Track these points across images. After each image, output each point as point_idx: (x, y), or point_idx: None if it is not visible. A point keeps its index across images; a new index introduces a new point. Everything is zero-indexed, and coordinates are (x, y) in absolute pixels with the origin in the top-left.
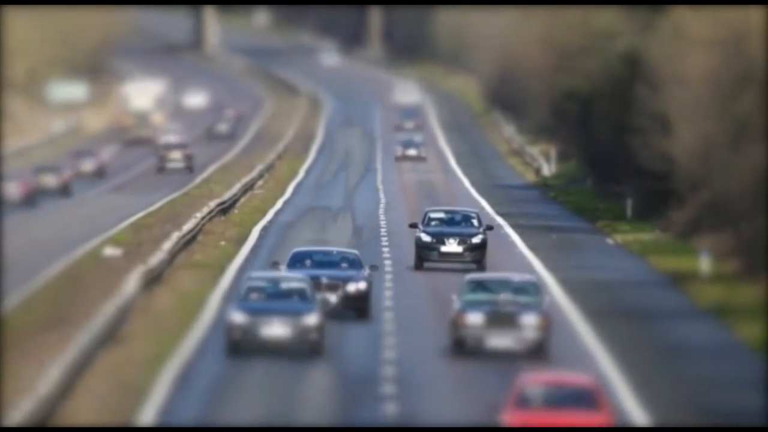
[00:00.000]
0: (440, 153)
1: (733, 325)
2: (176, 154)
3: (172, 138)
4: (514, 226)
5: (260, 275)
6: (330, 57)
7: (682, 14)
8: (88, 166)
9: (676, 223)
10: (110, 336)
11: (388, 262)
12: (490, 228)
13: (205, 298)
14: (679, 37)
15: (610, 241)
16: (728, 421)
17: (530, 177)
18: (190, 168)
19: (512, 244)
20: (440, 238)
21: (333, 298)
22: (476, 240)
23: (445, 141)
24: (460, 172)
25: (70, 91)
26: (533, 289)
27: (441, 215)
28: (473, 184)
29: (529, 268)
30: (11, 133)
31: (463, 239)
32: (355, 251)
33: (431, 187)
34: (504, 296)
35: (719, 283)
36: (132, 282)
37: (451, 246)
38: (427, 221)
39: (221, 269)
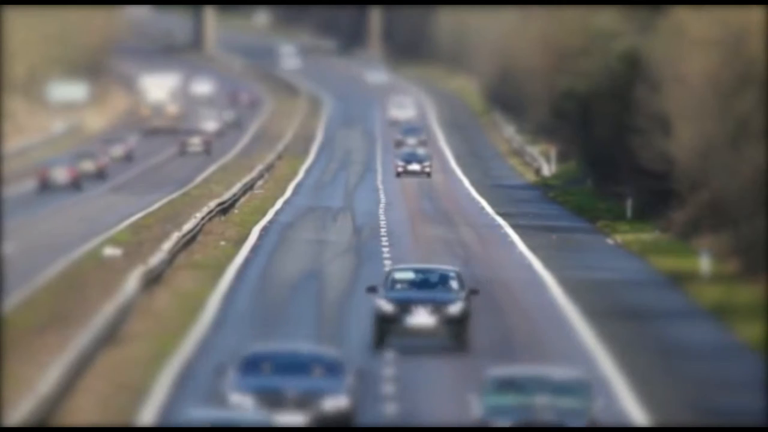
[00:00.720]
0: (440, 153)
1: (733, 325)
2: (196, 140)
3: (211, 123)
4: (514, 226)
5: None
6: (290, 62)
7: (682, 14)
8: (118, 151)
9: (676, 223)
10: (110, 336)
11: (387, 262)
12: (475, 292)
13: (205, 298)
14: (679, 37)
15: (610, 241)
16: (728, 421)
17: (530, 177)
18: (208, 152)
19: (512, 244)
20: (406, 306)
21: (299, 419)
22: (454, 309)
23: (445, 141)
24: (460, 172)
25: (69, 91)
26: (580, 389)
27: (410, 275)
28: (473, 184)
29: (529, 268)
30: (11, 133)
31: (436, 307)
32: (335, 353)
33: (431, 187)
34: (542, 399)
35: (719, 283)
36: (132, 282)
37: (421, 316)
38: (390, 284)
39: (221, 269)
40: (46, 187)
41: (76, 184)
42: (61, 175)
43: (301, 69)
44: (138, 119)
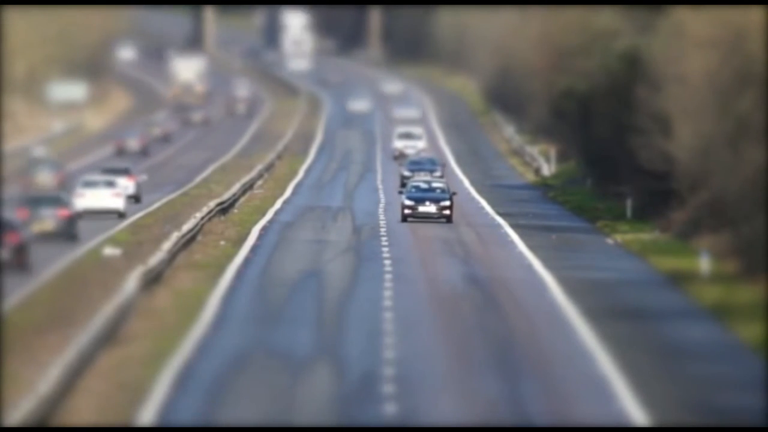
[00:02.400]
0: (440, 153)
1: (733, 326)
2: (241, 105)
3: (243, 91)
4: (514, 226)
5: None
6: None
7: (682, 14)
8: (197, 117)
9: (675, 223)
10: (110, 336)
11: (387, 262)
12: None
13: (205, 298)
14: (679, 37)
15: (609, 241)
16: (728, 421)
17: (530, 177)
18: (251, 115)
19: (512, 244)
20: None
21: None
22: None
23: (445, 141)
24: (460, 171)
25: (69, 91)
26: None
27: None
28: (473, 183)
29: (529, 268)
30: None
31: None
32: None
33: None
34: None
35: (719, 283)
36: (132, 282)
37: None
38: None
39: (221, 269)
40: (122, 153)
41: (145, 150)
42: (134, 143)
43: (309, 71)
44: (174, 97)
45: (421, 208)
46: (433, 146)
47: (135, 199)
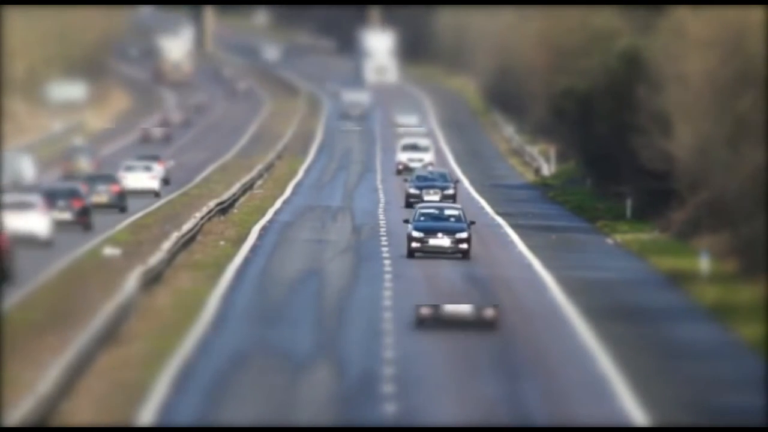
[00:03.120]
0: (440, 153)
1: (733, 325)
2: (243, 84)
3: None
4: (514, 226)
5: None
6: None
7: (682, 14)
8: (195, 101)
9: (675, 223)
10: (110, 336)
11: (387, 261)
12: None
13: (205, 298)
14: (679, 37)
15: (609, 241)
16: (728, 421)
17: (530, 177)
18: (249, 95)
19: (512, 244)
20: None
21: None
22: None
23: (445, 140)
24: (460, 171)
25: (69, 91)
26: None
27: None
28: (473, 183)
29: (529, 268)
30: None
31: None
32: None
33: None
34: None
35: (719, 283)
36: (132, 282)
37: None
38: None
39: (220, 269)
40: (147, 141)
41: (168, 138)
42: (177, 116)
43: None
44: (159, 75)
45: (432, 241)
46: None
47: (165, 181)
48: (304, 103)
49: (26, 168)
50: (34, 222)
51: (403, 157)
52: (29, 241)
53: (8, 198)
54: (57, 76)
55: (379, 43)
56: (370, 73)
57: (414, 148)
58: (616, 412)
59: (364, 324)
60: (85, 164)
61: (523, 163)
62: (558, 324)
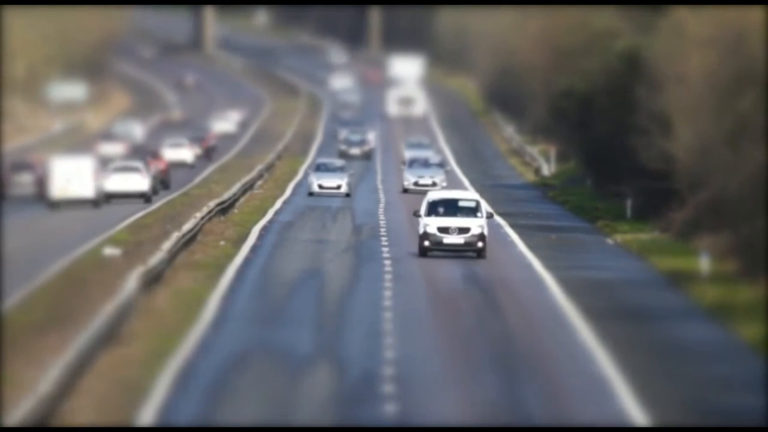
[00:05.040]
0: (440, 152)
1: (733, 325)
2: (190, 78)
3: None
4: (514, 226)
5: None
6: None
7: (682, 14)
8: (189, 81)
9: (675, 223)
10: (110, 336)
11: (387, 261)
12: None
13: (205, 298)
14: (679, 37)
15: (609, 240)
16: (728, 421)
17: (530, 177)
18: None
19: (512, 244)
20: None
21: None
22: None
23: (445, 140)
24: (460, 171)
25: (69, 90)
26: None
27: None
28: (473, 183)
29: (529, 268)
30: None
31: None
32: None
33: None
34: None
35: (719, 283)
36: (132, 282)
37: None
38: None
39: (221, 269)
40: (167, 125)
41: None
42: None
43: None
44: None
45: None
46: (434, 146)
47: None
48: (304, 104)
49: (137, 131)
50: (139, 182)
51: (410, 177)
52: (136, 196)
53: (118, 163)
54: (57, 76)
55: (406, 70)
56: (392, 105)
57: (424, 164)
58: (615, 412)
59: (365, 324)
60: (117, 149)
61: (523, 163)
62: (558, 324)
